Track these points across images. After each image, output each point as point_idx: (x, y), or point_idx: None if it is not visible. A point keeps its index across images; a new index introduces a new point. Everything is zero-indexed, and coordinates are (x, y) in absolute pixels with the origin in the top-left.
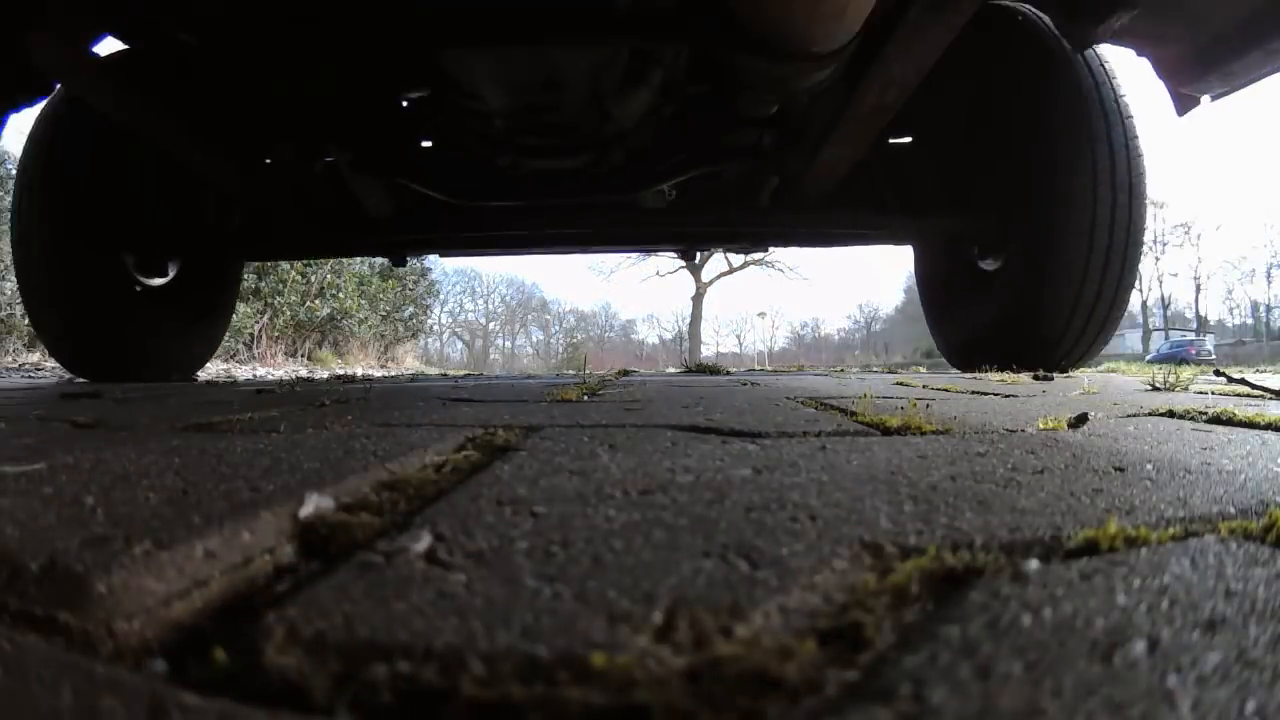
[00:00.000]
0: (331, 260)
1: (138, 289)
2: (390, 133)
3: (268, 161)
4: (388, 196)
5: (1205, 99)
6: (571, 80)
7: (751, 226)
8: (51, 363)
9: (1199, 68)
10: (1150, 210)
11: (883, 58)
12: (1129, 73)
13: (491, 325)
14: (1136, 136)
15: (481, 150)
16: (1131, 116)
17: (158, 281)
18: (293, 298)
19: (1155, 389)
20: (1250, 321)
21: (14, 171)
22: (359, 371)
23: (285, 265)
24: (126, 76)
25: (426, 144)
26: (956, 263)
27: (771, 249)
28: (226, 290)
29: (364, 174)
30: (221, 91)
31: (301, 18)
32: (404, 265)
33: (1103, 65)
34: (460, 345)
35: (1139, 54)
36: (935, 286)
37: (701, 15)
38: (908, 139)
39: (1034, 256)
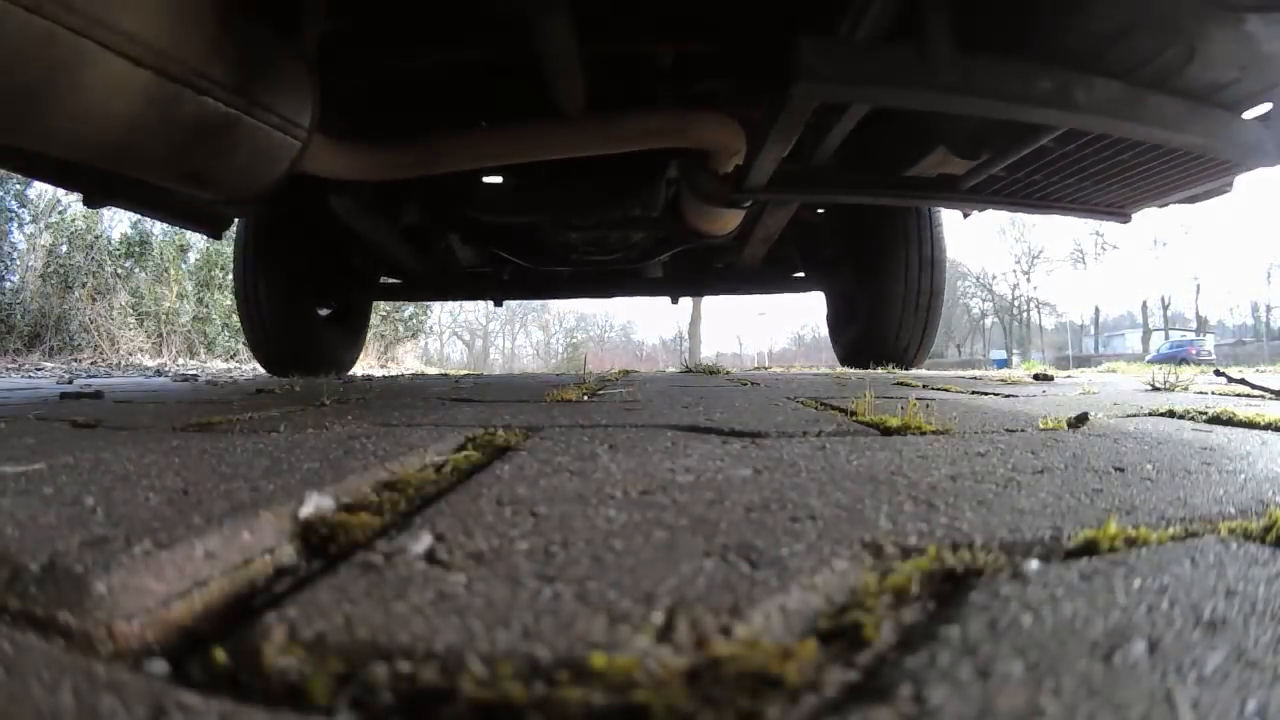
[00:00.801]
0: None
1: (314, 317)
2: (499, 229)
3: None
4: (477, 257)
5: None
6: (614, 238)
7: (710, 287)
8: (51, 363)
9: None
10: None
11: (761, 221)
12: None
13: (491, 325)
14: (940, 227)
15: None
16: (940, 219)
17: (324, 312)
18: None
19: (1155, 389)
20: (1250, 321)
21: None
22: (359, 371)
23: None
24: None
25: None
26: (840, 302)
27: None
28: (364, 320)
29: (470, 245)
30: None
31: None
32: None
33: None
34: (460, 345)
35: None
36: (831, 315)
37: (675, 224)
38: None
39: (874, 303)
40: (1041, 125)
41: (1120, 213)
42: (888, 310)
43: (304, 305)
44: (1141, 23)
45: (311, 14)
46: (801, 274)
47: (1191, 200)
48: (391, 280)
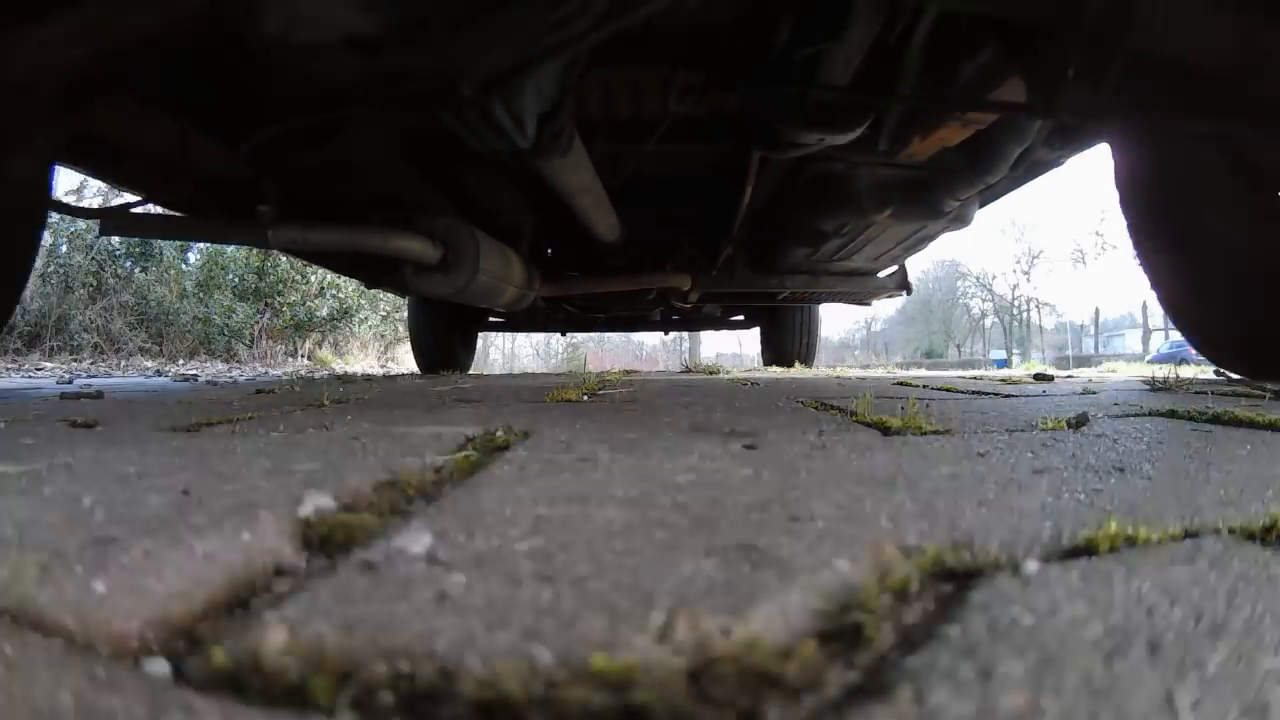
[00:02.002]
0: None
1: (453, 339)
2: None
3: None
4: (550, 307)
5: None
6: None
7: (688, 326)
8: (51, 363)
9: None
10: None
11: (707, 304)
12: None
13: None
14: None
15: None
16: None
17: (458, 335)
18: (293, 298)
19: (1156, 389)
20: None
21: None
22: (359, 371)
23: (285, 265)
24: None
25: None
26: (764, 332)
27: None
28: (474, 340)
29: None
30: None
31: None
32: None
33: None
34: None
35: None
36: (762, 339)
37: (663, 302)
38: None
39: (779, 334)
40: (778, 291)
41: (848, 302)
42: (787, 338)
43: (448, 334)
44: (829, 259)
45: (533, 256)
46: (742, 318)
47: (872, 300)
48: (496, 319)
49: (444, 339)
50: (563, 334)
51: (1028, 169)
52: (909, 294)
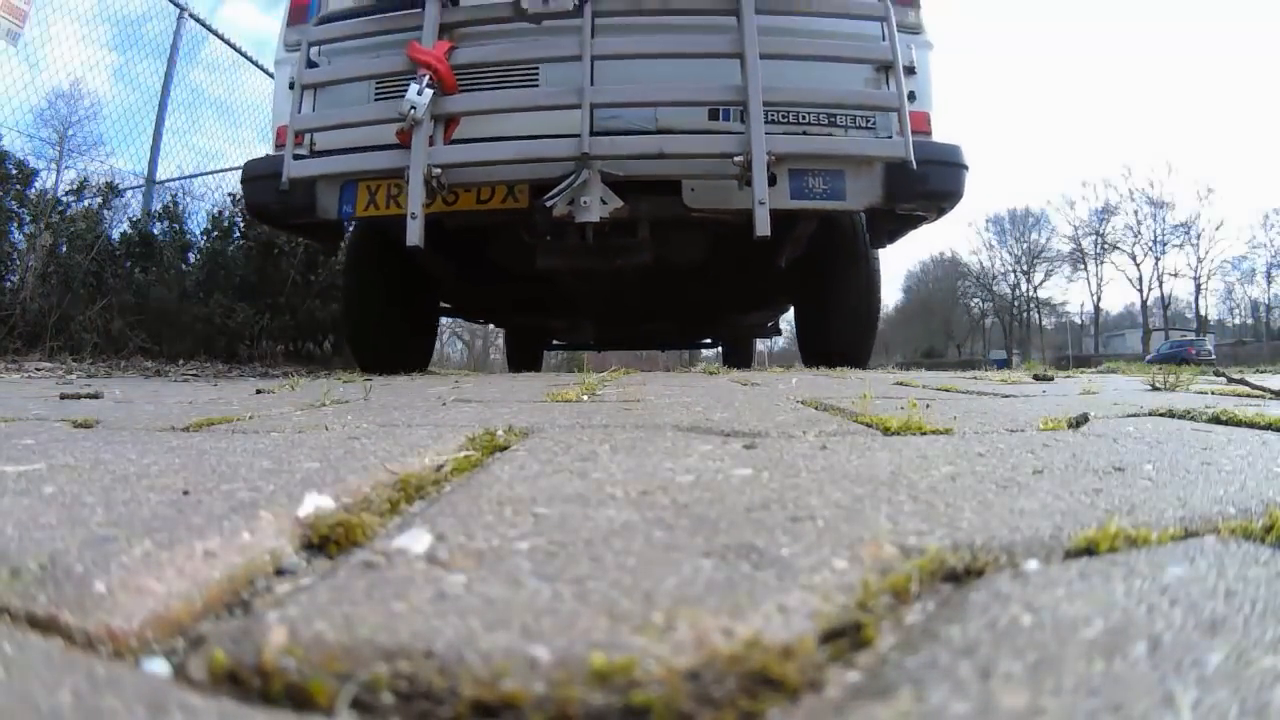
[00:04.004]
0: (332, 261)
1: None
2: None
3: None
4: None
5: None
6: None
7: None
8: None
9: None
10: (1150, 211)
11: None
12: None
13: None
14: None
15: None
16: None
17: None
18: (294, 298)
19: (1155, 389)
20: (1250, 321)
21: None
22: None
23: (288, 265)
24: None
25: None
26: (727, 346)
27: None
28: (541, 357)
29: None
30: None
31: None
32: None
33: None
34: (460, 345)
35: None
36: (726, 349)
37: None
38: None
39: (742, 348)
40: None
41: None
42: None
43: (529, 349)
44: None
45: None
46: (709, 340)
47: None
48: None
49: (523, 352)
50: (597, 351)
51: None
52: (779, 334)
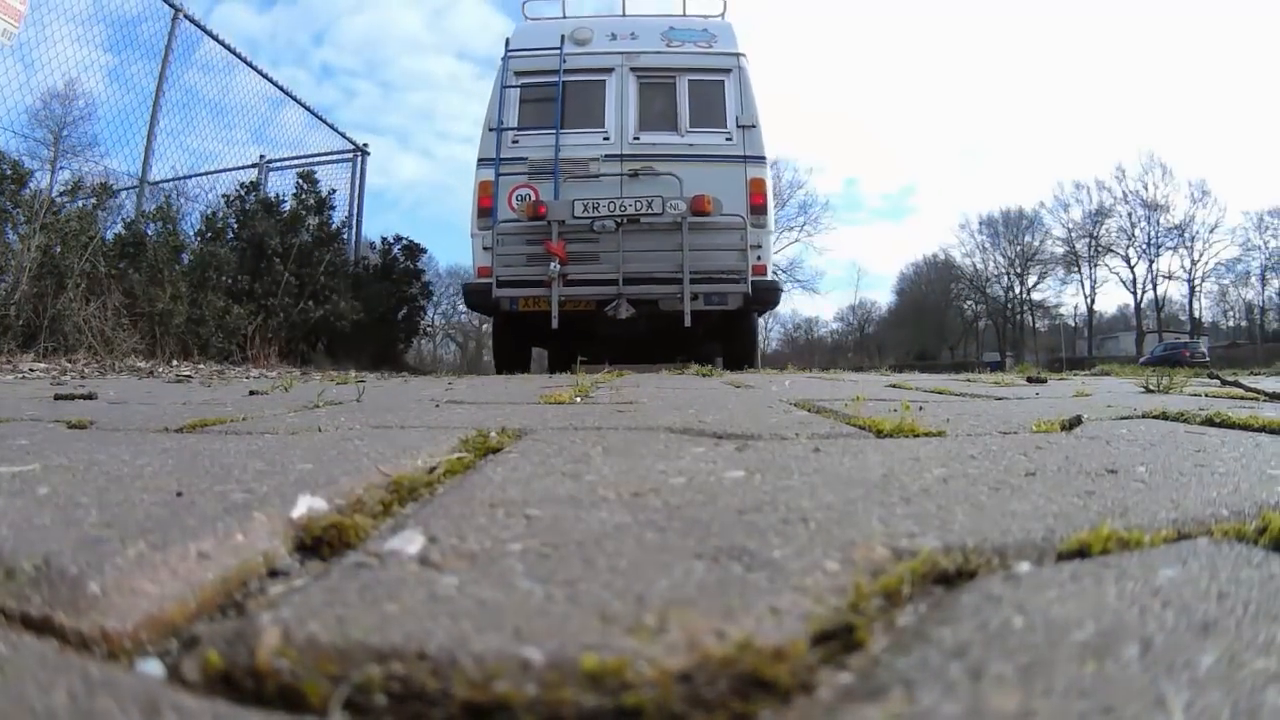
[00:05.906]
0: (325, 263)
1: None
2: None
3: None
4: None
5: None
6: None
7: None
8: (45, 364)
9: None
10: (1144, 214)
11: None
12: None
13: (484, 327)
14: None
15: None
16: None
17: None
18: (286, 299)
19: (1149, 391)
20: (1244, 324)
21: None
22: (352, 372)
23: (280, 267)
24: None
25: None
26: (709, 351)
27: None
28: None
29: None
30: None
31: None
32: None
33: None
34: (454, 347)
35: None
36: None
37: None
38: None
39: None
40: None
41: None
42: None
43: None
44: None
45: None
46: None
47: None
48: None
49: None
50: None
51: None
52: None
